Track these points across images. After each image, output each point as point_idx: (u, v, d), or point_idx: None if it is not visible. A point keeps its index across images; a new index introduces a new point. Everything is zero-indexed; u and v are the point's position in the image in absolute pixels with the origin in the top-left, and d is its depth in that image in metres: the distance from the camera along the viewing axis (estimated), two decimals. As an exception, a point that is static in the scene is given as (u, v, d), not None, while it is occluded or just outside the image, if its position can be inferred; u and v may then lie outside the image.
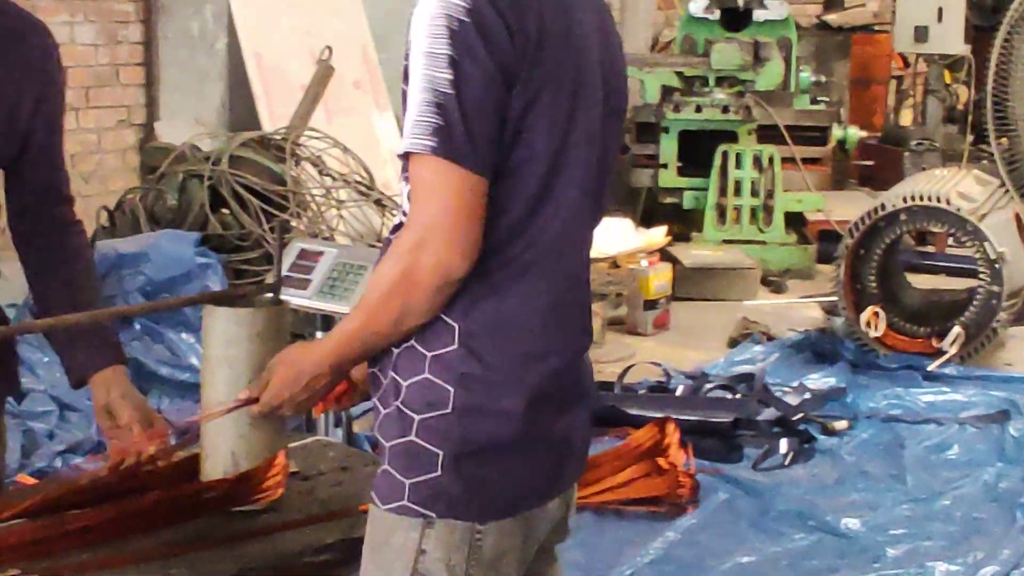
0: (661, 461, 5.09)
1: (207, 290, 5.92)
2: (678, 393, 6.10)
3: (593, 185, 2.37)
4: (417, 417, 2.25)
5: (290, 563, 2.51)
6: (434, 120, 2.13)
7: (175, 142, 7.85)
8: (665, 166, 9.11)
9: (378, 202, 7.58)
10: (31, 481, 4.48)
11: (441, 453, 2.24)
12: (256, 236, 6.87)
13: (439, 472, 2.23)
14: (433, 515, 2.24)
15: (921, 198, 6.84)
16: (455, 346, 2.23)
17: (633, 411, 5.78)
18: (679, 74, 9.22)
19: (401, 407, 2.26)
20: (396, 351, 2.28)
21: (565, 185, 2.29)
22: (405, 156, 2.20)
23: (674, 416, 5.36)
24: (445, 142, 2.13)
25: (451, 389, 2.23)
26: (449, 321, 2.23)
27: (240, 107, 8.66)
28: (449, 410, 2.23)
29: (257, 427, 2.66)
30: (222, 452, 2.69)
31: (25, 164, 2.96)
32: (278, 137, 7.61)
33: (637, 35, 11.30)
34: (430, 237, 2.15)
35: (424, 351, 2.25)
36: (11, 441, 4.96)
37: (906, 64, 12.83)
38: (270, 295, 2.82)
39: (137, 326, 5.95)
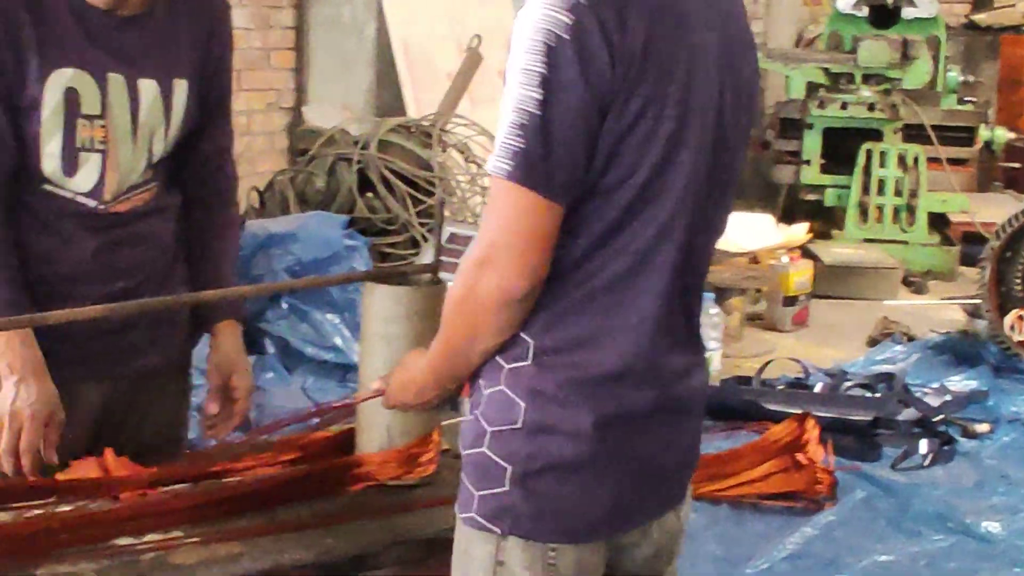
0: (800, 457, 5.08)
1: (353, 272, 6.01)
2: (817, 390, 6.07)
3: (703, 199, 2.28)
4: (490, 429, 2.23)
5: (442, 537, 2.49)
6: (516, 143, 2.08)
7: (322, 126, 7.97)
8: (808, 163, 9.07)
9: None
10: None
11: (509, 468, 2.21)
12: (402, 220, 6.96)
13: (506, 487, 2.21)
14: (498, 531, 2.22)
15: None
16: (528, 361, 2.21)
17: (771, 406, 5.76)
18: (825, 70, 9.18)
19: (479, 416, 2.25)
20: (503, 365, 2.27)
21: (661, 204, 2.21)
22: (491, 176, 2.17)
23: (813, 412, 5.36)
24: (522, 167, 2.08)
25: (523, 404, 2.21)
26: (525, 337, 2.20)
27: (386, 93, 8.76)
28: (519, 425, 2.21)
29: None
30: (378, 427, 2.76)
31: (206, 122, 3.04)
32: (426, 123, 7.70)
33: (782, 31, 11.28)
34: (493, 258, 2.12)
35: (502, 362, 2.24)
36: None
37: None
38: (428, 275, 2.87)
39: (284, 305, 6.03)
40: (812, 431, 5.17)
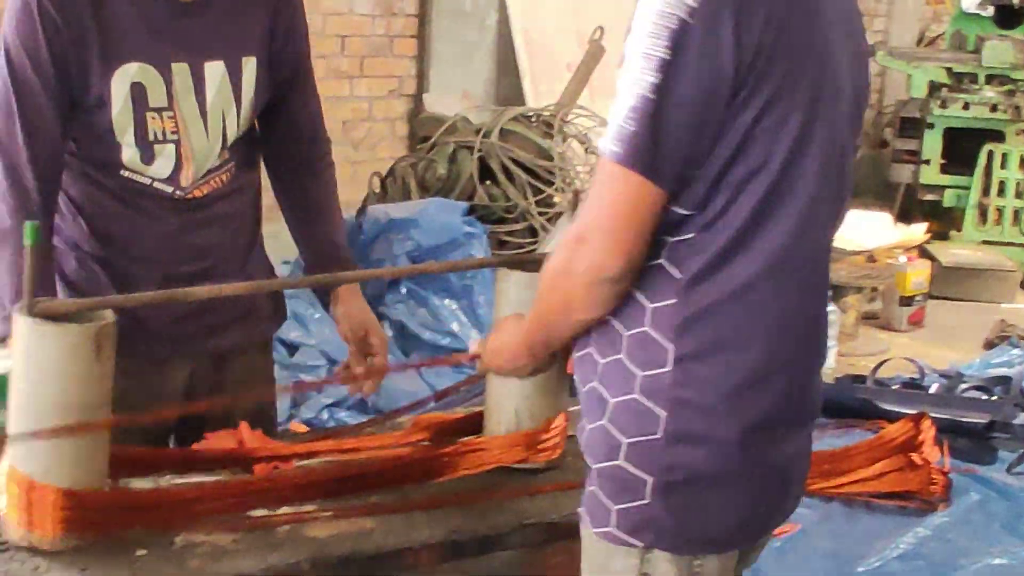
0: (915, 457, 5.05)
1: (472, 258, 6.07)
2: (932, 391, 6.03)
3: (830, 194, 2.27)
4: (625, 440, 2.19)
5: (565, 522, 2.54)
6: (629, 127, 2.06)
7: (443, 113, 8.03)
8: (928, 162, 9.01)
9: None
10: (303, 428, 4.67)
11: (649, 480, 2.17)
12: (521, 209, 7.01)
13: (647, 500, 2.17)
14: (641, 544, 2.19)
15: None
16: (668, 368, 2.15)
17: (886, 406, 5.73)
18: (948, 70, 9.10)
19: (608, 426, 2.21)
20: (602, 362, 2.24)
21: (795, 199, 2.18)
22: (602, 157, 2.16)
23: (928, 413, 5.33)
24: (632, 151, 2.06)
25: (663, 413, 2.16)
26: (663, 342, 2.15)
27: (505, 82, 8.80)
28: (659, 435, 2.15)
29: (541, 389, 2.76)
30: (506, 410, 2.78)
31: (280, 110, 3.08)
32: (547, 113, 7.73)
33: (904, 29, 11.17)
34: (590, 235, 2.12)
35: (635, 370, 2.19)
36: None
37: None
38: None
39: (403, 290, 6.11)
40: (928, 432, 5.13)
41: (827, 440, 5.48)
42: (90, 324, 2.29)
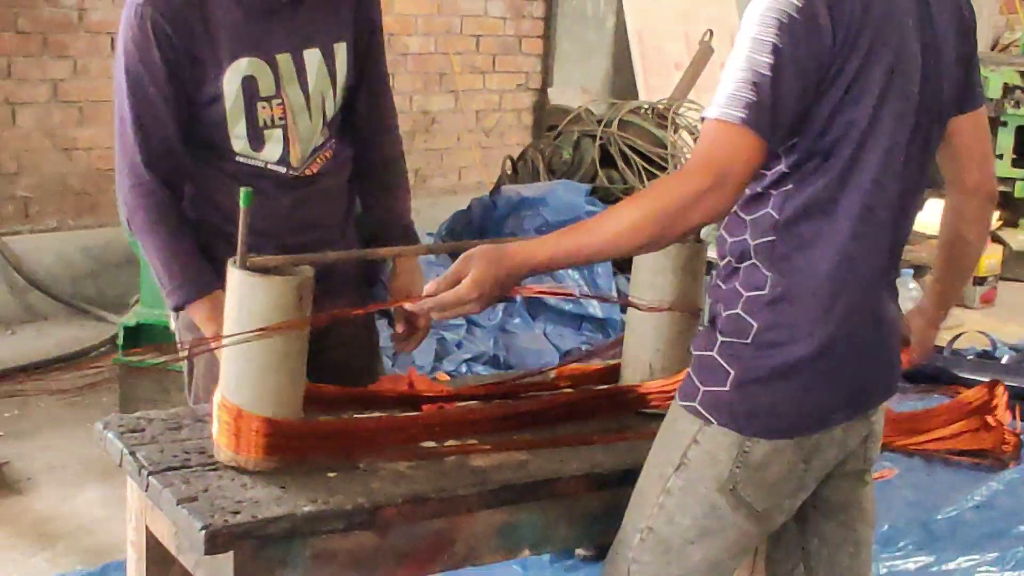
0: (989, 419, 5.04)
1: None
2: (1004, 361, 6.00)
3: (902, 160, 2.32)
4: (721, 338, 2.31)
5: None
6: (749, 96, 2.13)
7: (566, 105, 8.05)
8: (1000, 157, 8.88)
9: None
10: (446, 378, 4.71)
11: (732, 372, 2.29)
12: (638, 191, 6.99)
13: (727, 388, 2.29)
14: (713, 420, 2.29)
15: None
16: (765, 291, 2.27)
17: (962, 373, 5.73)
18: (1021, 73, 8.95)
19: (713, 327, 2.34)
20: (725, 287, 2.33)
21: (869, 163, 2.26)
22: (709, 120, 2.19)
23: (1003, 380, 5.31)
24: (755, 116, 2.13)
25: (755, 324, 2.28)
26: (764, 271, 2.28)
27: (620, 78, 8.79)
28: (748, 341, 2.28)
29: (671, 344, 2.78)
30: (641, 362, 2.81)
31: (359, 97, 3.07)
32: (661, 106, 7.70)
33: (980, 36, 10.94)
34: (719, 186, 2.14)
35: (743, 291, 2.30)
36: (426, 345, 5.20)
37: None
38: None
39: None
40: (1001, 397, 5.12)
41: (909, 403, 5.47)
42: (293, 277, 2.33)
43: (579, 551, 3.96)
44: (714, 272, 2.45)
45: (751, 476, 2.31)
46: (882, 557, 4.15)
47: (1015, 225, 8.56)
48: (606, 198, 6.84)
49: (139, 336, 4.85)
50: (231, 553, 2.19)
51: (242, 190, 2.32)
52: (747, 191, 2.29)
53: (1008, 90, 8.92)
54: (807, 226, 2.28)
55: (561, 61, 8.52)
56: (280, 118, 2.88)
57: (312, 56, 2.89)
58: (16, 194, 6.15)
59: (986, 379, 5.38)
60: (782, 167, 2.28)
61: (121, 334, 4.85)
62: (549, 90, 8.49)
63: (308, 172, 2.94)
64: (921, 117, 2.34)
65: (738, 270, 2.33)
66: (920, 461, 4.94)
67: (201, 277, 2.80)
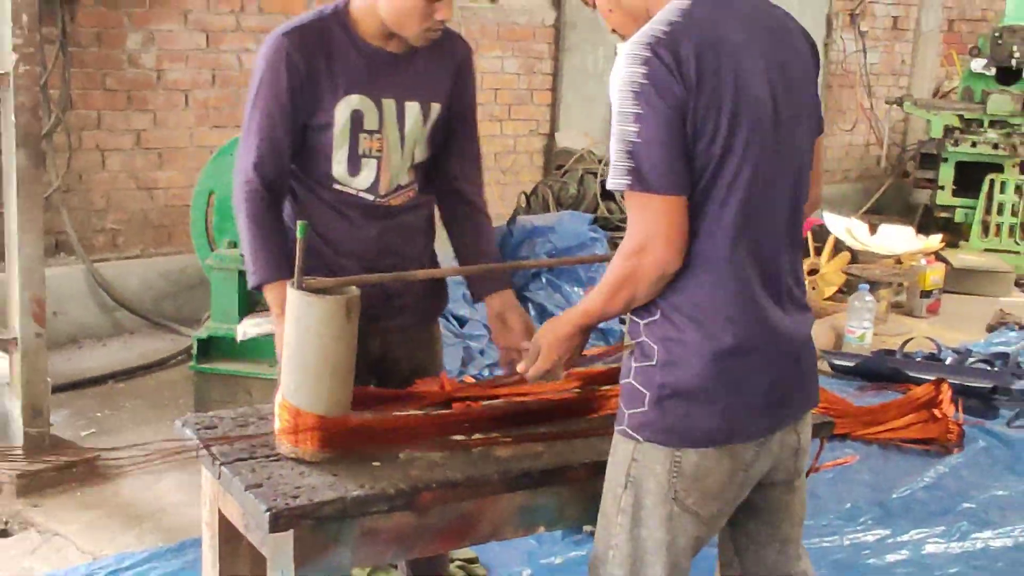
0: (935, 412, 5.02)
1: (595, 255, 6.08)
2: (947, 362, 5.96)
3: (765, 192, 2.26)
4: (635, 365, 2.27)
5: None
6: (627, 163, 2.13)
7: (572, 147, 8.04)
8: (942, 188, 8.87)
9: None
10: (471, 380, 4.69)
11: (648, 394, 2.25)
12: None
13: (646, 407, 2.25)
14: (641, 439, 2.25)
15: None
16: (658, 317, 2.24)
17: (912, 373, 5.70)
18: (959, 116, 8.93)
19: (629, 356, 2.30)
20: (632, 319, 2.30)
21: (731, 197, 2.21)
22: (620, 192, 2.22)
23: (945, 379, 5.29)
24: (637, 180, 2.12)
25: (656, 347, 2.24)
26: (658, 299, 2.24)
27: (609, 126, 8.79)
28: (655, 363, 2.24)
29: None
30: None
31: (449, 151, 3.05)
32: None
33: (924, 85, 10.97)
34: (649, 245, 2.15)
35: (639, 322, 2.28)
36: (453, 352, 5.20)
37: None
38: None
39: (543, 280, 6.12)
40: (945, 393, 5.10)
41: (867, 399, 5.47)
42: (342, 296, 2.34)
43: (586, 528, 3.94)
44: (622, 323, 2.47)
45: (691, 486, 2.26)
46: (845, 531, 4.14)
47: (956, 246, 8.53)
48: (606, 226, 6.84)
49: (210, 347, 4.85)
50: (291, 531, 2.20)
51: (299, 223, 2.33)
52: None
53: (948, 131, 8.94)
54: (685, 264, 2.22)
55: (566, 110, 8.50)
56: (377, 150, 2.89)
57: (412, 107, 2.91)
58: (106, 227, 6.17)
59: (932, 378, 5.35)
60: None
61: (195, 345, 4.85)
62: (556, 135, 8.48)
63: (392, 202, 2.94)
64: (785, 147, 2.29)
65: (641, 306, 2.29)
66: (877, 448, 4.93)
67: (279, 267, 2.81)
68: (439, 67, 2.96)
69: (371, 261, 2.91)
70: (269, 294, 2.85)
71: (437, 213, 3.15)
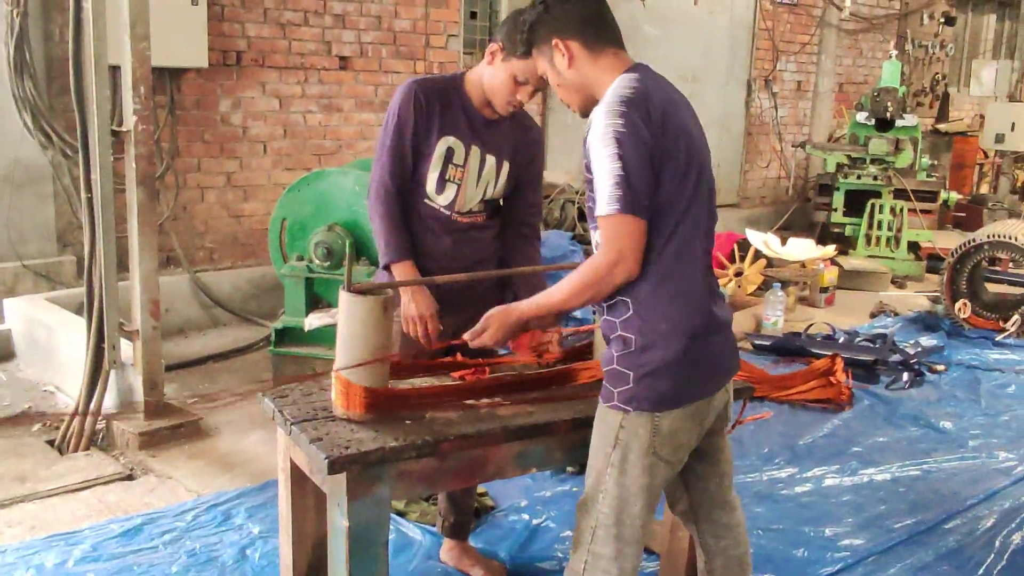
0: (831, 379, 5.01)
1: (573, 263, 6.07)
2: (840, 341, 5.95)
3: (706, 217, 2.28)
4: (616, 354, 2.25)
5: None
6: (618, 193, 2.11)
7: (555, 182, 8.01)
8: (835, 210, 8.83)
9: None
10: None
11: (631, 375, 2.23)
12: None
13: (631, 385, 2.23)
14: (629, 409, 2.24)
15: (996, 236, 6.45)
16: (631, 314, 2.23)
17: (814, 349, 5.67)
18: (848, 156, 8.89)
19: (609, 348, 2.28)
20: (606, 319, 2.28)
21: (685, 220, 2.21)
22: (603, 216, 2.18)
23: (839, 354, 5.28)
24: (625, 206, 2.12)
25: (633, 337, 2.23)
26: (628, 300, 2.23)
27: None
28: (633, 349, 2.23)
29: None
30: (603, 346, 2.73)
31: (516, 197, 3.08)
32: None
33: (820, 132, 10.94)
34: (623, 259, 2.16)
35: (614, 319, 2.26)
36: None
37: (986, 156, 12.05)
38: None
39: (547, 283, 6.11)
40: (838, 365, 5.09)
41: (780, 369, 5.46)
42: (380, 296, 2.33)
43: (569, 468, 3.95)
44: (595, 313, 2.43)
45: (666, 441, 2.26)
46: (764, 469, 4.14)
47: (846, 253, 8.50)
48: (582, 241, 6.83)
49: (284, 335, 4.83)
50: (344, 474, 2.21)
51: (347, 242, 2.32)
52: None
53: (839, 167, 8.90)
54: (647, 272, 2.22)
55: (552, 153, 8.41)
56: (459, 179, 2.94)
57: (490, 159, 2.96)
58: (204, 246, 6.16)
59: (829, 353, 5.36)
60: None
61: (273, 334, 4.85)
62: (545, 172, 8.42)
63: (463, 220, 2.97)
64: (708, 182, 2.31)
65: (612, 307, 2.28)
66: (787, 407, 4.93)
67: (403, 249, 2.91)
68: (516, 139, 3.01)
69: (446, 263, 2.94)
70: (397, 269, 2.92)
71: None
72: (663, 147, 2.16)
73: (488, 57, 2.84)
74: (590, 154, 2.19)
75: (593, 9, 2.33)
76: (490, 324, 2.39)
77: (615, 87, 2.20)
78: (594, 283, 2.21)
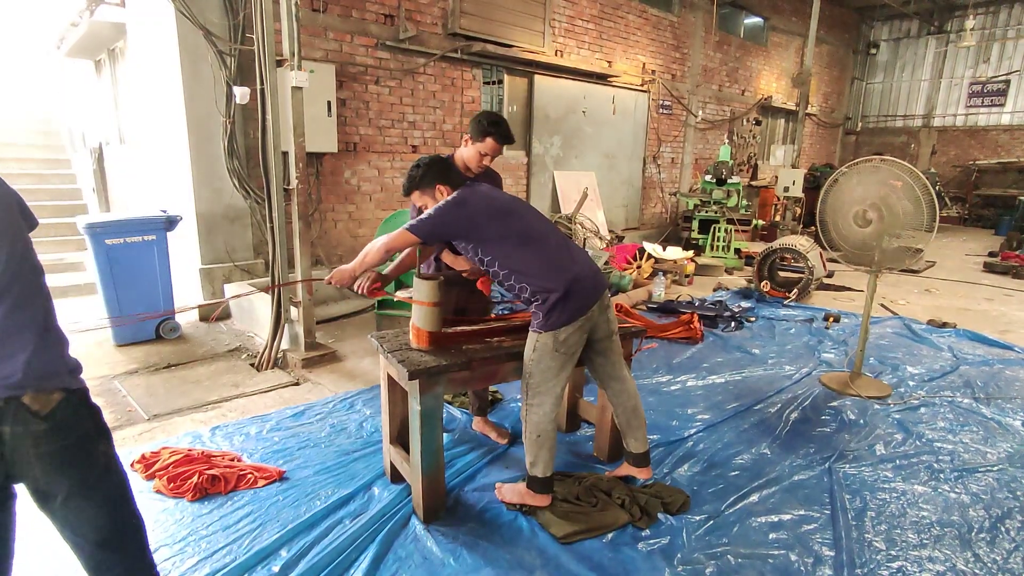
0: (691, 325, 5.02)
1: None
2: (696, 305, 5.90)
3: (538, 226, 2.22)
4: (535, 311, 2.22)
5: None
6: (423, 225, 2.09)
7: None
8: (694, 230, 8.80)
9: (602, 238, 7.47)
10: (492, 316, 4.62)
11: (540, 313, 2.22)
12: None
13: (541, 319, 2.22)
14: (542, 331, 2.22)
15: (784, 244, 6.44)
16: (533, 295, 2.19)
17: (681, 310, 5.65)
18: (700, 200, 8.85)
19: (525, 301, 2.22)
20: (508, 284, 2.17)
21: (530, 230, 2.18)
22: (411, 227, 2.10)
23: (695, 311, 5.28)
24: (418, 231, 2.10)
25: (541, 304, 2.20)
26: (526, 285, 2.16)
27: (554, 204, 8.60)
28: (544, 307, 2.19)
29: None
30: None
31: None
32: (568, 215, 7.45)
33: (685, 186, 10.85)
34: (399, 243, 2.12)
35: (516, 282, 2.17)
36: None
37: (778, 199, 11.95)
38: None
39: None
40: (695, 317, 5.10)
41: (661, 321, 5.41)
42: (434, 280, 2.30)
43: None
44: (496, 282, 2.30)
45: (563, 343, 2.21)
46: (652, 376, 4.11)
47: (700, 255, 8.47)
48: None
49: (383, 304, 4.73)
50: (417, 380, 2.20)
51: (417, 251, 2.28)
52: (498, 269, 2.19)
53: (696, 206, 8.82)
54: (519, 259, 2.17)
55: (532, 198, 8.40)
56: None
57: None
58: (337, 253, 6.14)
59: (689, 312, 5.35)
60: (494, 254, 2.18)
61: (376, 304, 4.81)
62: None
63: None
64: (525, 217, 2.21)
65: (508, 275, 2.19)
66: (665, 342, 4.89)
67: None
68: (487, 181, 2.82)
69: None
70: (447, 258, 2.70)
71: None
72: (489, 211, 2.10)
73: (464, 141, 2.74)
74: (426, 206, 2.19)
75: (446, 164, 2.27)
76: (335, 274, 2.25)
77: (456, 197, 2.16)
78: (382, 250, 2.12)
